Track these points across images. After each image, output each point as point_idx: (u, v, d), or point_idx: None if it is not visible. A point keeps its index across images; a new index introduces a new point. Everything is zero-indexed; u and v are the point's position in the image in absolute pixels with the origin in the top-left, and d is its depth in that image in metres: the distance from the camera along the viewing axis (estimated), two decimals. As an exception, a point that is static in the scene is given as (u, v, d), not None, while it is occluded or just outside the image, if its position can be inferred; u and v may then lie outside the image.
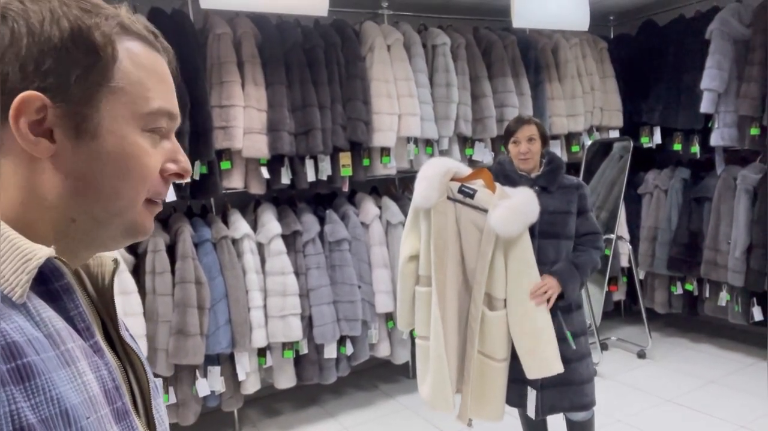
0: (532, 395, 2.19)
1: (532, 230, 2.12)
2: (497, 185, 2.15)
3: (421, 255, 2.23)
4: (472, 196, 2.13)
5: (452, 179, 2.18)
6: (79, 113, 0.52)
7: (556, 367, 2.09)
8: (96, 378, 0.51)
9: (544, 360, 2.09)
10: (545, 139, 2.28)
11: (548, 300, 2.09)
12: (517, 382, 2.22)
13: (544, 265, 2.13)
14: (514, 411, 2.43)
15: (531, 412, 2.20)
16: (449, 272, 2.17)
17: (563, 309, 2.17)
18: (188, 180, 2.76)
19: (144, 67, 0.56)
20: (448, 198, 2.16)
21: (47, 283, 0.51)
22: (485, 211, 2.09)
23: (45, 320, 0.48)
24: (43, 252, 0.48)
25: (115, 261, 0.64)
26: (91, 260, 0.63)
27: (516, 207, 2.06)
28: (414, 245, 2.26)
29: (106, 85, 0.53)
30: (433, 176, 2.15)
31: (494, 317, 2.13)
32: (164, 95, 0.58)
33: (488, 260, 2.09)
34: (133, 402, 0.58)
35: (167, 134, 0.59)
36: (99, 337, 0.55)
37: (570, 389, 2.20)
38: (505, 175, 2.25)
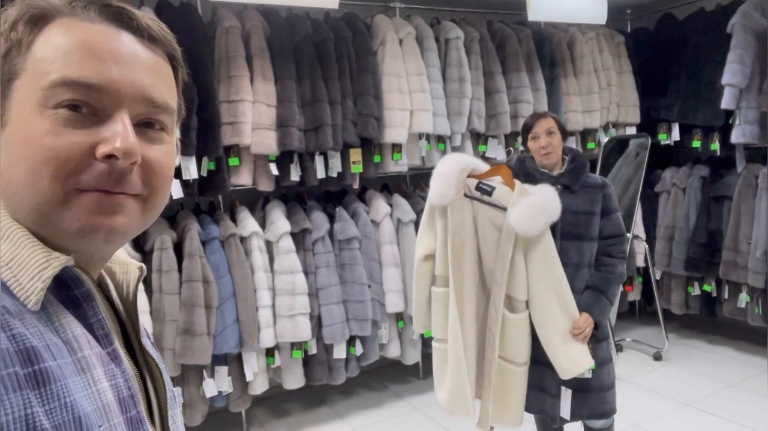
0: (567, 394, 2.11)
1: (553, 230, 2.04)
2: (516, 181, 2.06)
3: (438, 255, 2.15)
4: (490, 193, 2.04)
5: (469, 176, 2.09)
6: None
7: (586, 363, 2.02)
8: (111, 386, 0.50)
9: (574, 359, 2.01)
10: (564, 132, 2.19)
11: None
12: (534, 388, 2.14)
13: (566, 267, 2.04)
14: (530, 417, 2.35)
15: (566, 413, 2.12)
16: (467, 272, 2.08)
17: (594, 339, 2.10)
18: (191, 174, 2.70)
19: (54, 42, 0.50)
20: (465, 196, 2.08)
21: (68, 289, 0.51)
22: (504, 209, 2.01)
23: (64, 325, 0.49)
24: (58, 261, 0.49)
25: (141, 269, 0.62)
26: (118, 267, 0.62)
27: (537, 204, 1.96)
28: (429, 244, 2.18)
29: (18, 72, 0.50)
30: (450, 172, 2.07)
31: (515, 320, 2.05)
32: (79, 65, 0.50)
33: (508, 260, 2.01)
34: (149, 411, 0.57)
35: (100, 112, 0.51)
36: (118, 345, 0.54)
37: (590, 396, 2.12)
38: (526, 173, 2.16)
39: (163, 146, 0.55)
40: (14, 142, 0.49)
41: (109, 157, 0.49)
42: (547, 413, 2.17)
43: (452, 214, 2.06)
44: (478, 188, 2.07)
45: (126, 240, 0.55)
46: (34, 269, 0.48)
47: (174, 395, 0.62)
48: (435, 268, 2.16)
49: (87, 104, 0.50)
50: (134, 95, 0.52)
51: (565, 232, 2.07)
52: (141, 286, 2.65)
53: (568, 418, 2.14)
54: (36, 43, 0.50)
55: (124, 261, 0.62)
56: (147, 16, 0.55)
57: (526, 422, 2.17)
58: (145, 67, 0.53)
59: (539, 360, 2.10)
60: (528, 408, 2.17)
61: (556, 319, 2.02)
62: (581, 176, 2.14)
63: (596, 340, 2.12)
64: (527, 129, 2.18)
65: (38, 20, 0.51)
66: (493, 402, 2.11)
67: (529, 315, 2.07)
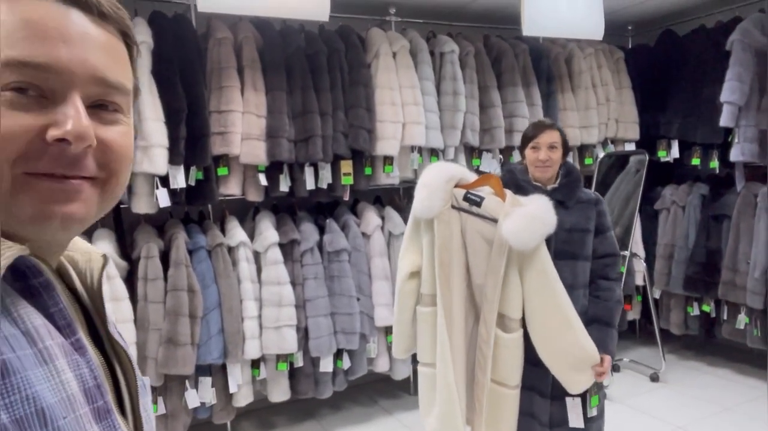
0: (574, 403, 2.00)
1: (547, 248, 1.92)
2: (508, 192, 1.94)
3: (425, 272, 2.02)
4: (479, 204, 1.92)
5: (456, 186, 1.98)
6: None
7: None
8: (75, 376, 0.49)
9: (583, 374, 1.92)
10: (567, 149, 2.06)
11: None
12: (523, 414, 2.02)
13: None
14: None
15: (577, 422, 2.01)
16: (455, 289, 1.96)
17: (596, 386, 2.01)
18: (164, 175, 2.70)
19: None
20: (453, 207, 1.96)
21: (26, 279, 0.50)
22: (494, 221, 1.88)
23: (22, 316, 0.47)
24: (11, 251, 0.46)
25: (104, 257, 0.61)
26: (80, 255, 0.60)
27: (532, 215, 1.83)
28: (415, 260, 2.05)
29: None
30: (436, 182, 1.94)
31: (508, 340, 1.91)
32: (24, 44, 0.47)
33: (501, 276, 1.87)
34: (119, 401, 0.56)
35: (50, 94, 0.48)
36: (82, 334, 0.53)
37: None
38: (517, 185, 2.03)
39: (119, 127, 0.53)
40: None
41: (61, 141, 0.47)
42: None
43: (439, 227, 1.94)
44: (465, 199, 1.95)
45: (85, 226, 0.53)
46: None
47: (144, 384, 0.62)
48: (421, 286, 2.03)
49: (35, 86, 0.47)
50: (86, 76, 0.49)
51: (558, 250, 1.95)
52: (125, 294, 2.62)
53: (581, 425, 2.01)
54: None
55: (86, 250, 0.61)
56: None
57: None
58: (96, 46, 0.51)
59: (527, 386, 1.99)
60: None
61: (559, 337, 1.89)
62: (576, 191, 2.02)
63: (598, 387, 2.02)
64: (528, 138, 2.05)
65: None
66: (486, 429, 1.99)
67: (523, 335, 1.94)
